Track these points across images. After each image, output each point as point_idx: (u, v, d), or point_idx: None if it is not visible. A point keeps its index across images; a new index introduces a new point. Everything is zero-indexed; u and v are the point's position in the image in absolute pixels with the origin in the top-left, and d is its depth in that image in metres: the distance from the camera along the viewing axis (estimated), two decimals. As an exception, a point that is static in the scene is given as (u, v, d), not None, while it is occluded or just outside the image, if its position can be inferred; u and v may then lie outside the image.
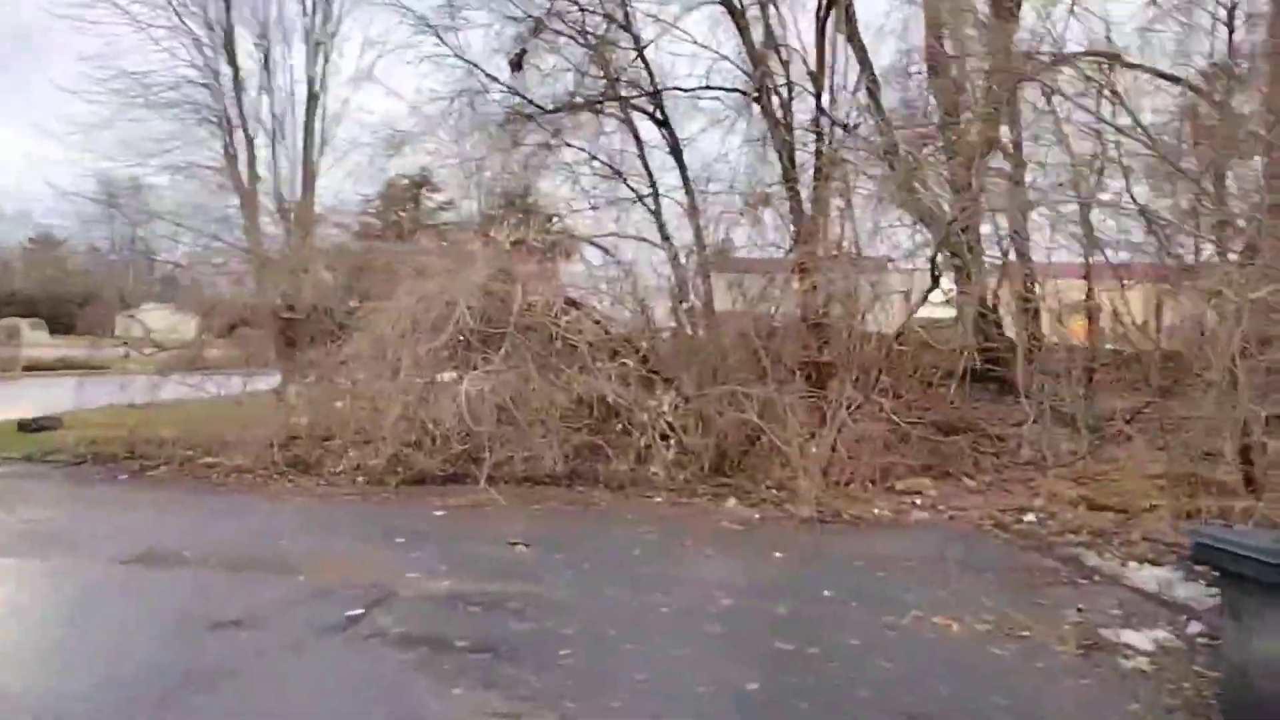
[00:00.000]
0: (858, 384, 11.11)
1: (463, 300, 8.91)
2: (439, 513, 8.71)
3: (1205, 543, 3.82)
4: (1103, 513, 9.29)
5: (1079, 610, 5.84)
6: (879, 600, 5.98)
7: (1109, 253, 16.49)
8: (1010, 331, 17.56)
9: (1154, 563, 7.13)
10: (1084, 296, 16.79)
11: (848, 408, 10.27)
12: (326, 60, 17.23)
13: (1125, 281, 14.70)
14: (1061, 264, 17.16)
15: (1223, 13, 12.11)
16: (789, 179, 13.59)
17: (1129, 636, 5.26)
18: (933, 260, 12.25)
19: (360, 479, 10.10)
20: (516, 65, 13.36)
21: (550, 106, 14.01)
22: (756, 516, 8.89)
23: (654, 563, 7.03)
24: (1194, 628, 5.43)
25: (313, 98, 17.02)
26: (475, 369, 9.31)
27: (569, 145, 14.72)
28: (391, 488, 9.84)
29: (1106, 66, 11.43)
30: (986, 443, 13.02)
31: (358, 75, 20.53)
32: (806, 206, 13.83)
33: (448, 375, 10.65)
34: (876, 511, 9.25)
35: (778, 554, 7.33)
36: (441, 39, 13.54)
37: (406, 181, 16.31)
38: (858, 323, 13.03)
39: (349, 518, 8.77)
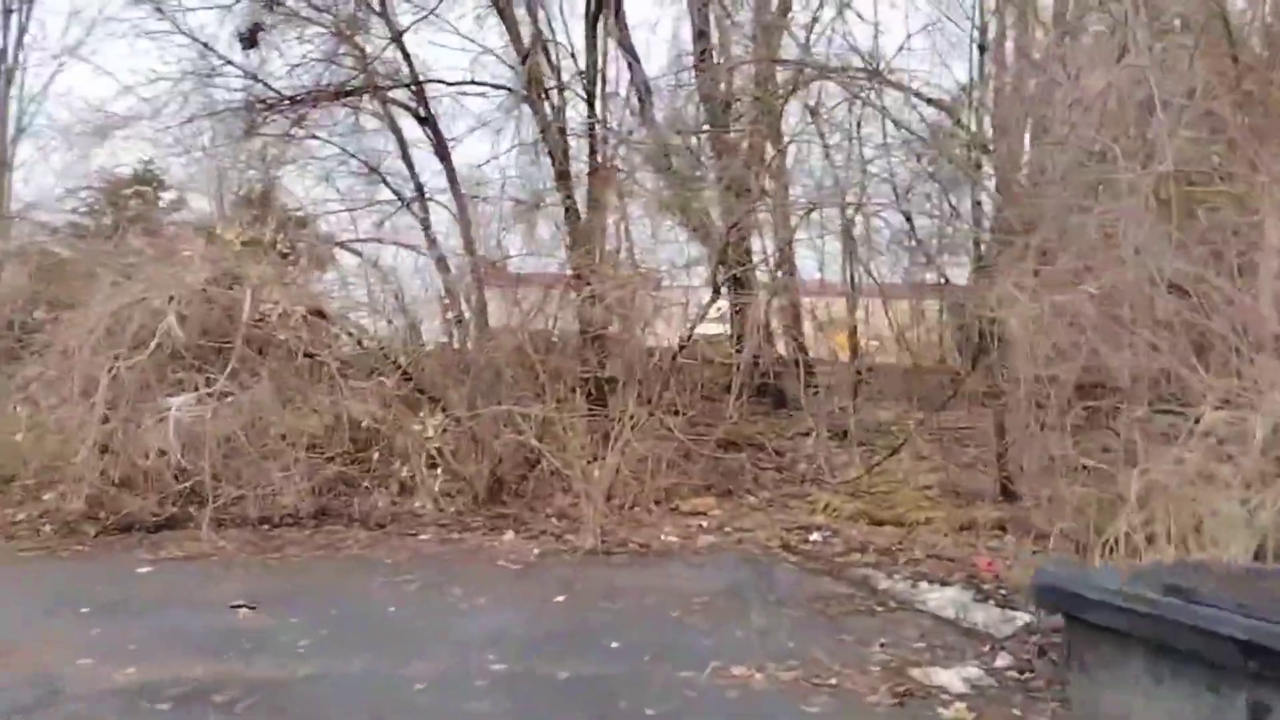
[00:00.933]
0: (640, 400, 10.46)
1: (172, 308, 7.31)
2: (144, 569, 7.05)
3: (1050, 584, 3.31)
4: (882, 528, 9.17)
5: (882, 646, 5.36)
6: (673, 650, 5.21)
7: (872, 268, 17.14)
8: (782, 346, 17.91)
9: (942, 582, 6.88)
10: (849, 311, 17.32)
11: (631, 426, 9.57)
12: (23, 31, 14.54)
13: (888, 296, 15.19)
14: (829, 282, 17.66)
15: (978, 34, 12.61)
16: (563, 185, 12.82)
17: (941, 677, 4.80)
18: (713, 273, 11.90)
19: (48, 528, 8.15)
20: (249, 43, 11.69)
21: (295, 95, 12.42)
22: (536, 552, 7.94)
23: (414, 620, 5.89)
24: (1002, 660, 5.07)
25: (4, 74, 14.28)
26: (199, 390, 7.71)
27: (323, 140, 13.18)
28: (90, 538, 8.00)
29: (870, 82, 11.56)
30: (765, 458, 12.82)
31: (63, 50, 17.61)
32: (582, 214, 13.12)
33: (178, 399, 8.91)
34: (664, 537, 8.58)
35: (559, 597, 6.42)
36: (162, 11, 11.61)
37: (129, 175, 13.99)
38: (639, 336, 12.50)
39: (23, 581, 6.94)
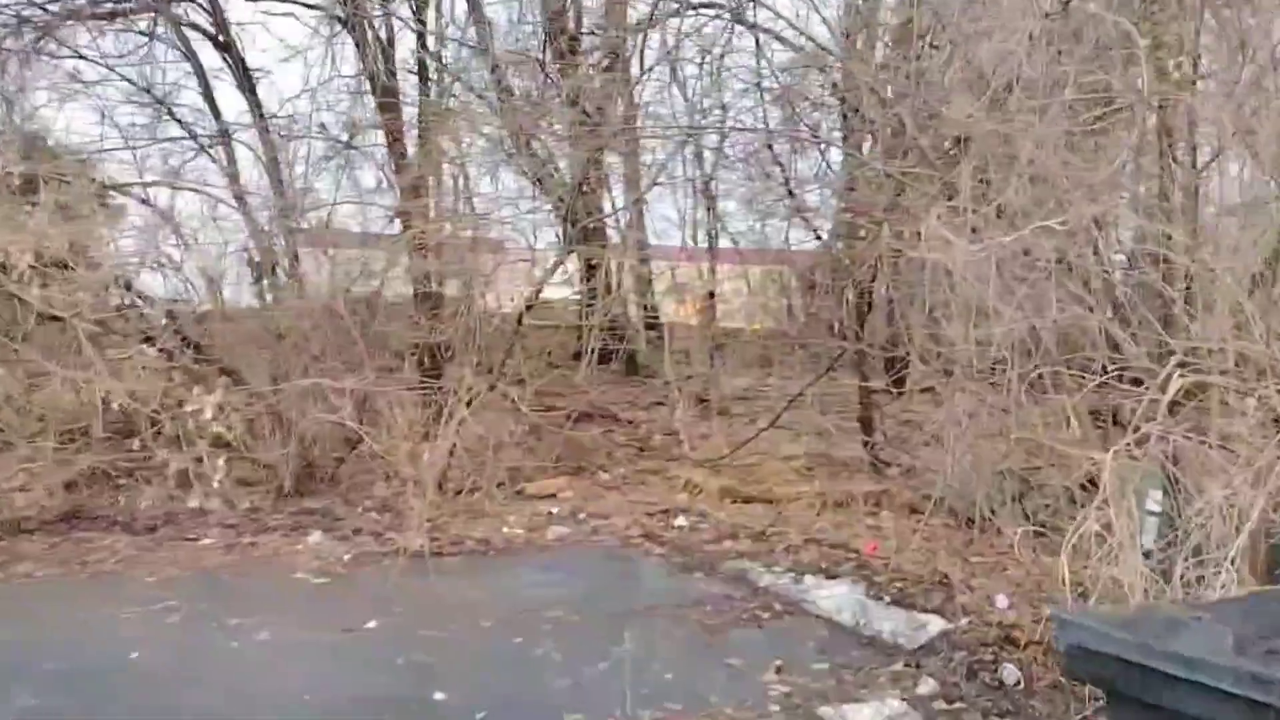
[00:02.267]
0: (480, 370, 9.02)
1: None
2: None
3: (1084, 646, 2.15)
4: (751, 506, 8.17)
5: (779, 671, 4.26)
6: (517, 702, 3.91)
7: (729, 226, 16.24)
8: (634, 310, 16.78)
9: (829, 574, 5.89)
10: (702, 275, 16.39)
11: (468, 399, 8.12)
12: None
13: (747, 260, 14.28)
14: (686, 247, 16.67)
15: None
16: (390, 126, 11.06)
17: (857, 716, 3.72)
18: (563, 228, 10.52)
19: None
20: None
21: (56, 9, 10.07)
22: (348, 556, 6.42)
23: (160, 671, 4.31)
24: (925, 687, 4.06)
25: None
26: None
27: (93, 62, 10.82)
28: None
29: (733, 20, 10.42)
30: (620, 430, 11.65)
31: None
32: (413, 163, 11.40)
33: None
34: (508, 529, 7.23)
35: (371, 623, 4.98)
36: None
37: None
38: (479, 298, 11.00)
39: None
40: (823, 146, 11.12)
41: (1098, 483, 6.39)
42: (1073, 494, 6.73)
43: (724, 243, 16.57)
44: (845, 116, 10.53)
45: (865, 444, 9.83)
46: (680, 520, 7.41)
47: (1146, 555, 5.75)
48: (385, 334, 9.03)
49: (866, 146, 11.46)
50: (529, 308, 8.60)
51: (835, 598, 5.28)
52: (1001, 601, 5.01)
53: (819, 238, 10.90)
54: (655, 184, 9.29)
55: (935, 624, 4.67)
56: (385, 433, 8.12)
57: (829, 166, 11.94)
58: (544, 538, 6.98)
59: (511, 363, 9.77)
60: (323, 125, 11.26)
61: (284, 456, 8.12)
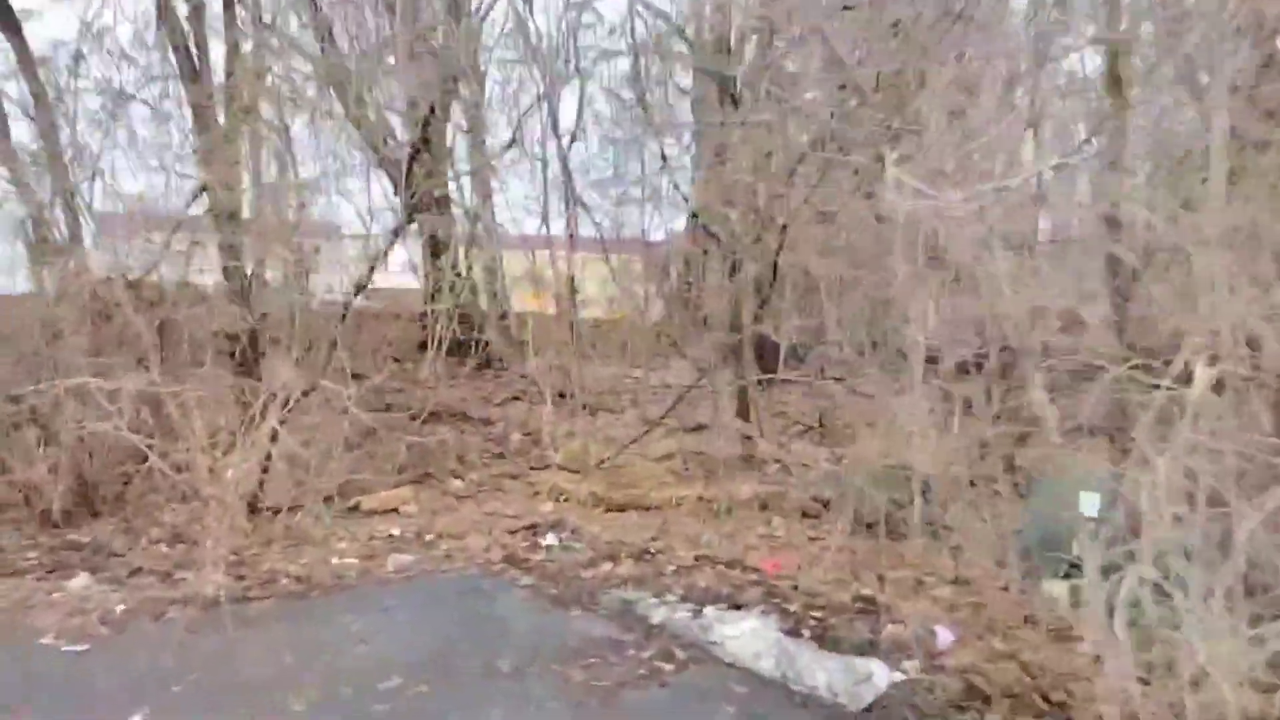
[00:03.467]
0: (303, 365, 7.54)
1: None
2: None
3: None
4: (626, 515, 7.13)
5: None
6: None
7: (588, 212, 15.14)
8: (485, 299, 15.41)
9: (731, 602, 4.91)
10: (558, 262, 15.28)
11: (287, 402, 6.65)
12: None
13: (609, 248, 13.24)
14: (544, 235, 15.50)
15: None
16: (192, 83, 9.28)
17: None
18: (404, 205, 9.09)
19: None
20: None
21: None
22: (121, 608, 4.89)
23: None
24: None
25: None
26: None
27: None
28: None
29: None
30: (472, 430, 10.35)
31: None
32: (222, 126, 9.65)
33: None
34: (337, 560, 5.86)
35: (135, 717, 3.56)
36: None
37: None
38: (302, 284, 9.43)
39: None
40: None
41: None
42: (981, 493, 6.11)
43: (584, 229, 15.68)
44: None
45: (744, 440, 9.01)
46: (549, 538, 6.25)
47: (1076, 567, 5.12)
48: (184, 325, 7.37)
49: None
50: (359, 290, 7.15)
51: (747, 636, 4.28)
52: (944, 637, 4.16)
53: (694, 216, 9.87)
54: (509, 146, 7.96)
55: (879, 674, 3.74)
56: (182, 443, 6.56)
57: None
58: (383, 568, 5.65)
59: (342, 356, 8.31)
60: (108, 78, 9.35)
61: (50, 477, 6.42)
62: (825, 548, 5.90)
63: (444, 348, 11.44)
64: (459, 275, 11.07)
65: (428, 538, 6.38)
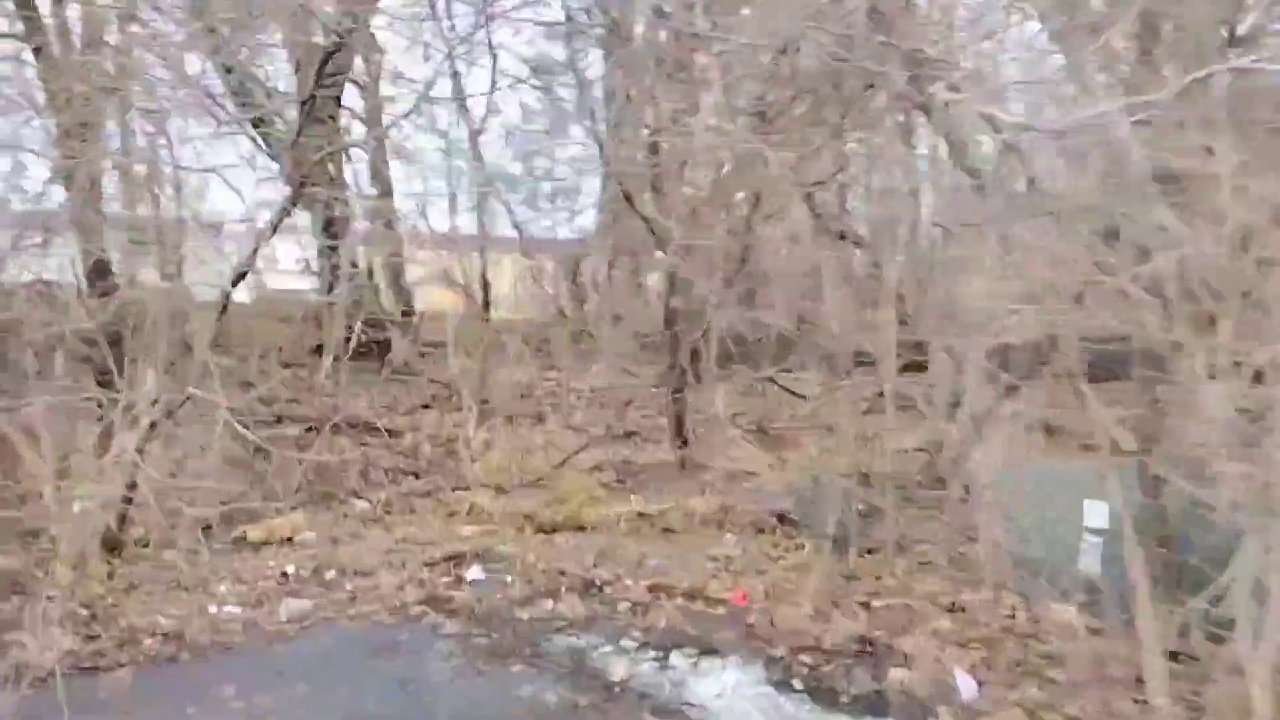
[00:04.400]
0: (175, 373, 6.42)
1: None
2: None
3: None
4: (560, 537, 6.28)
5: None
6: None
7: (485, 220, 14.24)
8: (388, 299, 14.27)
9: (702, 646, 4.13)
10: (468, 260, 14.38)
11: (152, 421, 5.55)
12: None
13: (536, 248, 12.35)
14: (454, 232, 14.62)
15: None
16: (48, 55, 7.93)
17: None
18: (292, 192, 7.98)
19: None
20: None
21: None
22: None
23: None
24: None
25: None
26: None
27: None
28: None
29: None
30: (377, 442, 9.28)
31: None
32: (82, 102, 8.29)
33: None
34: (217, 608, 4.82)
35: None
36: None
37: None
38: (176, 279, 8.22)
39: None
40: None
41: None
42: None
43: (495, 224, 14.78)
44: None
45: (679, 446, 8.28)
46: (474, 571, 5.34)
47: (1085, 585, 4.54)
48: (22, 327, 6.13)
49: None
50: (239, 279, 6.05)
51: (729, 693, 3.51)
52: (966, 686, 3.49)
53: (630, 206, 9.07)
54: (408, 114, 6.97)
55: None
56: (24, 470, 5.40)
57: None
58: (274, 618, 4.65)
59: (223, 360, 7.18)
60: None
61: None
62: (792, 569, 5.21)
63: (343, 351, 10.36)
64: (355, 265, 9.97)
65: (328, 575, 5.38)
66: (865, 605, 4.45)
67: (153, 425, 5.57)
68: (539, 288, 15.89)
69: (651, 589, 4.89)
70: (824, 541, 5.60)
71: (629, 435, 9.49)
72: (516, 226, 13.47)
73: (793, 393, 9.79)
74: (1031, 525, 4.49)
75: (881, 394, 10.28)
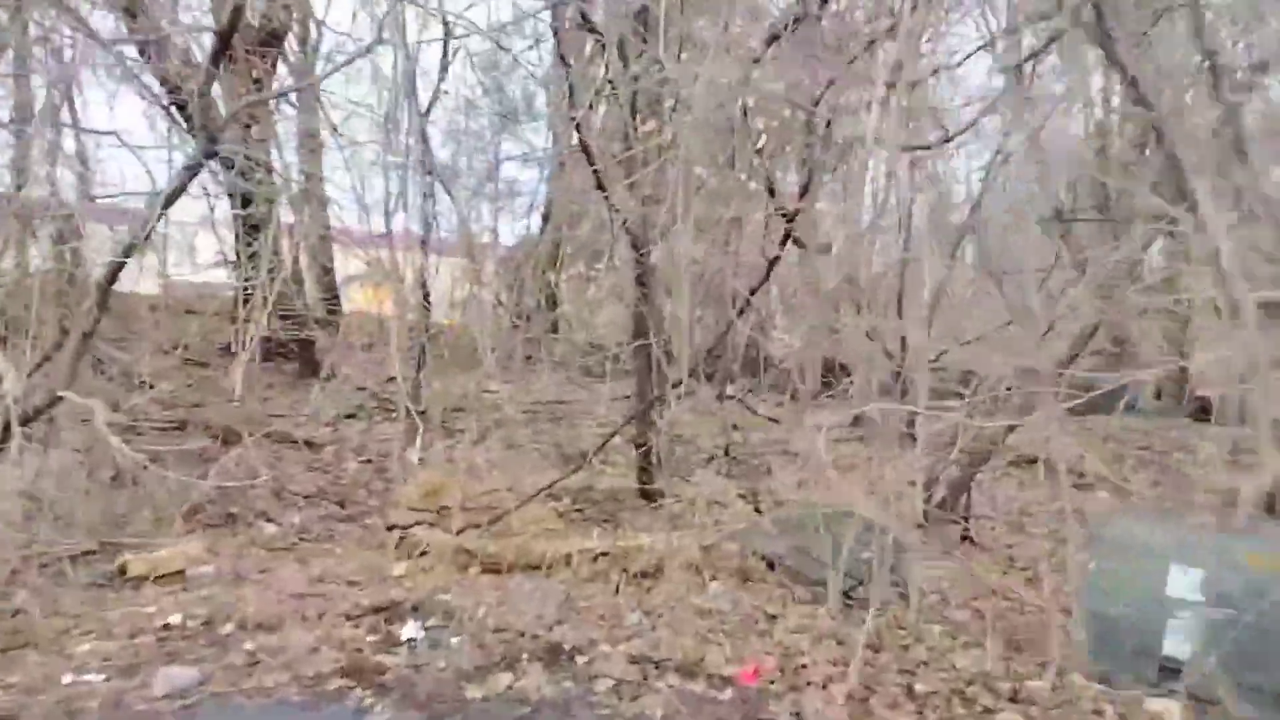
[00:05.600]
0: (49, 369, 5.27)
1: None
2: None
3: None
4: (509, 581, 5.27)
5: None
6: None
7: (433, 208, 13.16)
8: (313, 295, 13.03)
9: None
10: (401, 260, 13.24)
11: (6, 423, 4.38)
12: None
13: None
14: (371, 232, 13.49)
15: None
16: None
17: None
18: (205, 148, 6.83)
19: None
20: None
21: None
22: None
23: None
24: None
25: None
26: None
27: None
28: None
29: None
30: (293, 456, 8.14)
31: None
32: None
33: None
34: (75, 674, 3.69)
35: None
36: None
37: None
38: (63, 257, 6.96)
39: None
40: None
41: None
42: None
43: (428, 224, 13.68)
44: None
45: (643, 472, 7.36)
46: (410, 628, 4.30)
47: (1174, 672, 3.76)
48: None
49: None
50: (129, 253, 4.87)
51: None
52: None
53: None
54: (347, 63, 5.89)
55: None
56: None
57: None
58: (146, 693, 3.55)
59: (114, 357, 6.03)
60: None
61: None
62: (798, 632, 4.34)
63: (258, 350, 9.15)
64: (276, 254, 8.77)
65: (224, 628, 4.27)
66: (909, 690, 3.59)
67: (6, 429, 4.40)
68: (482, 292, 14.85)
69: (635, 660, 3.94)
70: (828, 595, 4.76)
71: (583, 457, 8.54)
72: (461, 224, 12.40)
73: (765, 416, 8.98)
74: (1103, 591, 3.70)
75: (857, 420, 9.57)
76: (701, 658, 3.95)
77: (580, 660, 3.94)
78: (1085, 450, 7.77)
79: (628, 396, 9.77)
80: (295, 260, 11.29)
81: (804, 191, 6.84)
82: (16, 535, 4.74)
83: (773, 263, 6.60)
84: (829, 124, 6.51)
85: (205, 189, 9.59)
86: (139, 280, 9.56)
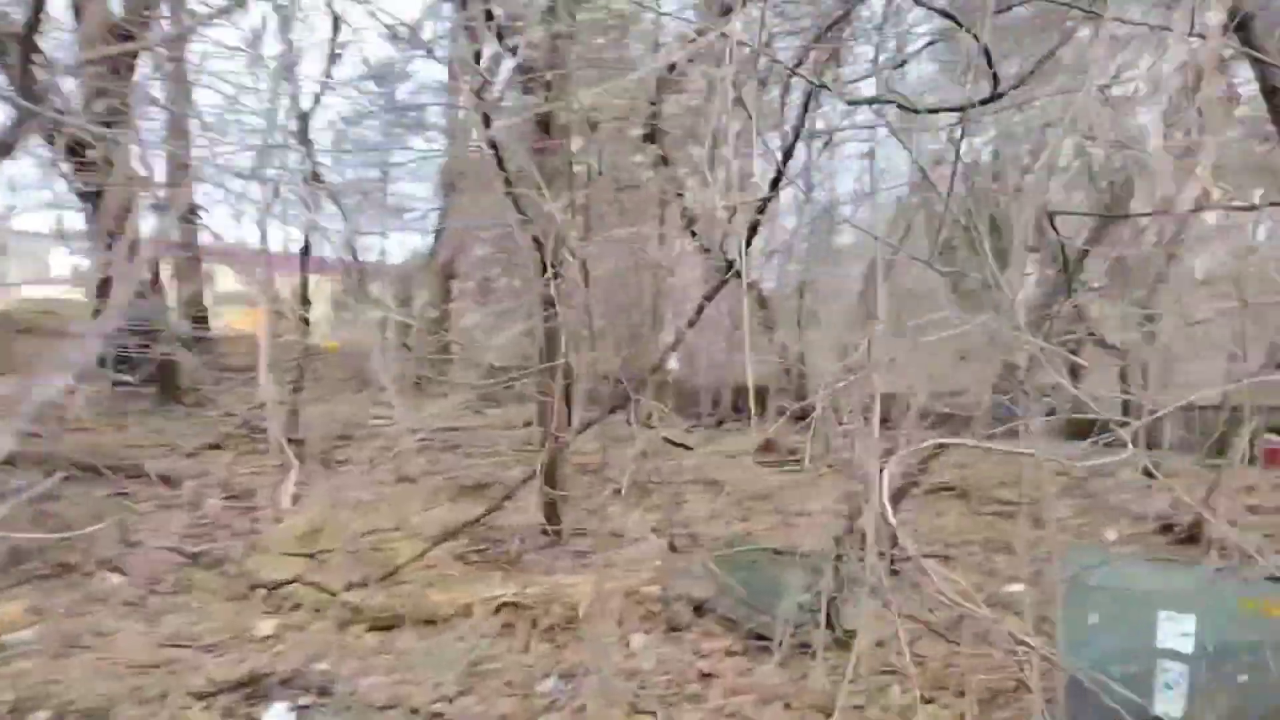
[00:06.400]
0: None
1: None
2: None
3: None
4: (399, 640, 4.53)
5: None
6: None
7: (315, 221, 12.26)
8: (177, 313, 11.82)
9: None
10: (277, 276, 12.28)
11: None
12: None
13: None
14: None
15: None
16: None
17: None
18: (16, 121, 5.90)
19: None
20: None
21: None
22: None
23: None
24: None
25: None
26: None
27: None
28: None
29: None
30: (145, 492, 7.12)
31: None
32: None
33: None
34: None
35: None
36: None
37: None
38: None
39: None
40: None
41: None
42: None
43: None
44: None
45: (548, 507, 6.69)
46: (276, 711, 3.51)
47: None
48: None
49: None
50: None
51: None
52: None
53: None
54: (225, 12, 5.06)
55: None
56: None
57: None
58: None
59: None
60: None
61: None
62: (738, 694, 3.78)
63: (108, 373, 8.08)
64: (132, 258, 7.70)
65: (37, 717, 3.39)
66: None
67: None
68: (364, 311, 13.93)
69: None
70: (772, 644, 4.23)
71: (479, 487, 7.80)
72: (346, 240, 11.51)
73: (676, 444, 8.44)
74: (1082, 642, 3.29)
75: (769, 445, 9.14)
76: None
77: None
78: (1005, 478, 7.57)
79: (528, 424, 9.12)
80: (155, 274, 10.17)
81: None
82: None
83: (711, 295, 6.09)
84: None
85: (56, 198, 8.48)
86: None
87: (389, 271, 16.32)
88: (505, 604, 4.88)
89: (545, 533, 6.65)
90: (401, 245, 15.79)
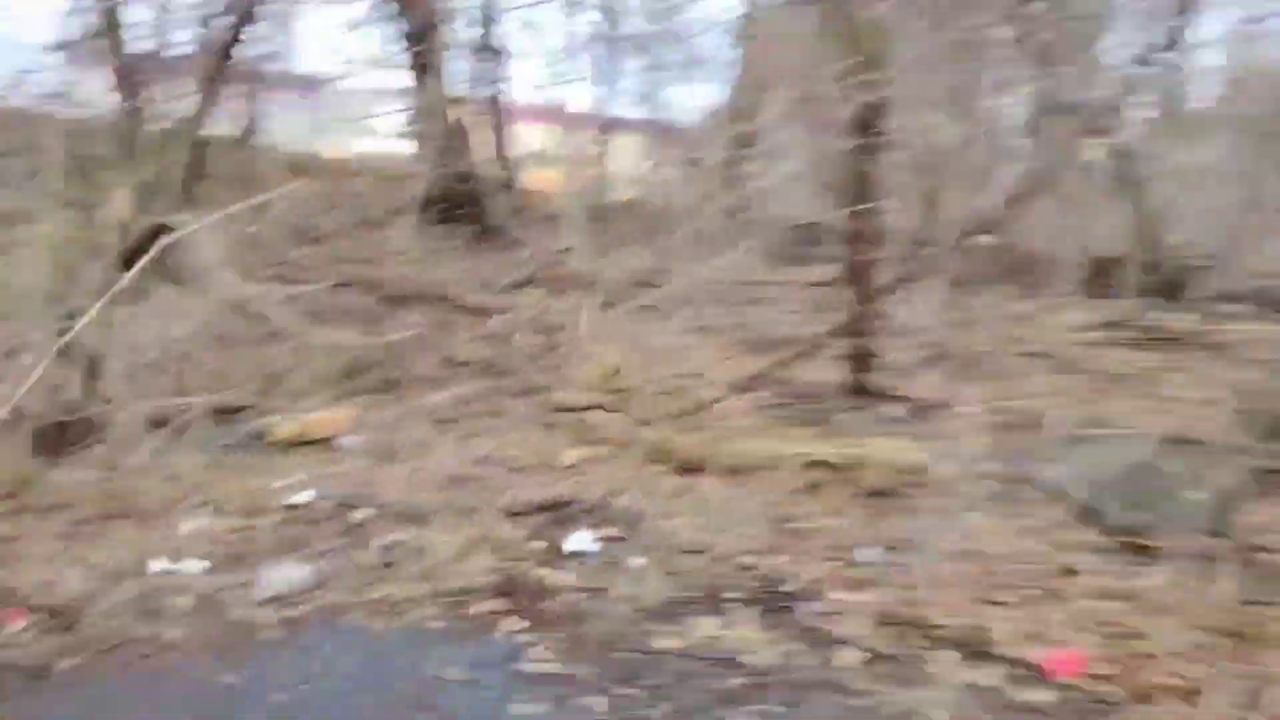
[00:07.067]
0: (155, 199, 4.57)
1: None
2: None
3: None
4: (705, 484, 4.20)
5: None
6: None
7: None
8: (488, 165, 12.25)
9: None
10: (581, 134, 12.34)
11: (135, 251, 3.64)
12: None
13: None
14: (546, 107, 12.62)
15: None
16: None
17: None
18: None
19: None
20: None
21: None
22: None
23: None
24: None
25: None
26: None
27: None
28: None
29: None
30: (460, 322, 7.38)
31: None
32: None
33: None
34: (166, 564, 2.95)
35: None
36: None
37: None
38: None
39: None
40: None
41: None
42: None
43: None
44: None
45: (855, 366, 6.06)
46: (579, 538, 3.29)
47: None
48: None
49: None
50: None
51: None
52: None
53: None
54: None
55: None
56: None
57: None
58: (248, 593, 2.75)
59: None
60: None
61: None
62: (1109, 598, 3.01)
63: (434, 211, 8.43)
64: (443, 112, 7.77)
65: (358, 516, 3.45)
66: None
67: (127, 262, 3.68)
68: (662, 168, 13.74)
69: (886, 621, 2.76)
70: (1143, 545, 3.39)
71: (781, 344, 7.29)
72: (644, 99, 11.18)
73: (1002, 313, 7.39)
74: None
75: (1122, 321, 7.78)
76: (985, 628, 2.72)
77: (806, 610, 2.81)
78: None
79: (826, 283, 8.40)
80: (465, 128, 10.44)
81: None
82: (151, 385, 4.13)
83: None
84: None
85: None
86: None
87: (686, 128, 15.93)
88: (816, 462, 4.37)
89: (854, 393, 6.05)
90: (698, 100, 15.18)
